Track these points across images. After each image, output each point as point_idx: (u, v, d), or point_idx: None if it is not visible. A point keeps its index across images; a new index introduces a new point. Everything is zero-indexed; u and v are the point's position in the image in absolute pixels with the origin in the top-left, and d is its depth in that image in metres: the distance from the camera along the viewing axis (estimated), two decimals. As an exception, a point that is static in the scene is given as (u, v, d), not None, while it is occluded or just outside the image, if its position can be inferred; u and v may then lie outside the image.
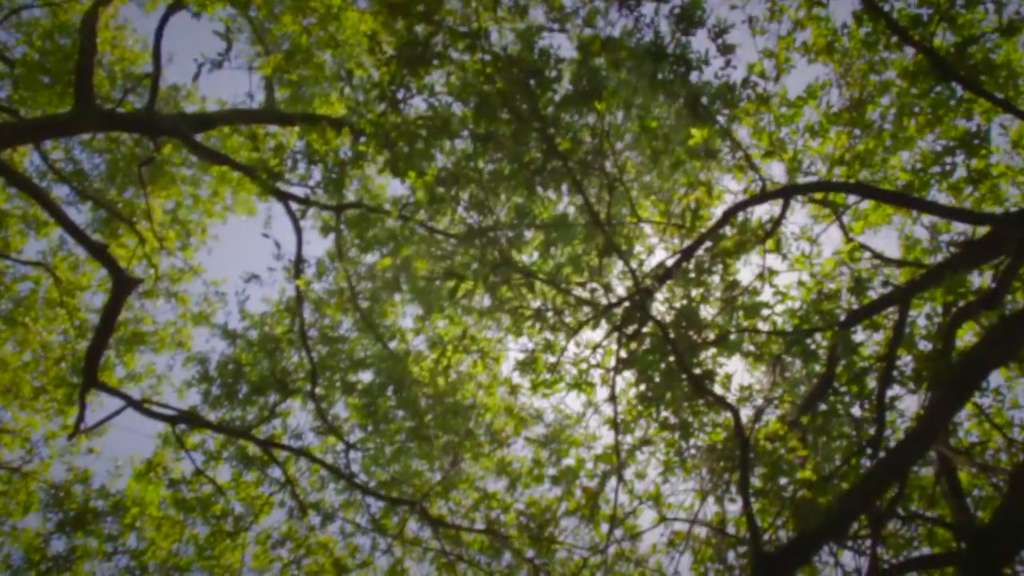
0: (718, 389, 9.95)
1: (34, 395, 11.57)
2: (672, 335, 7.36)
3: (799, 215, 9.55)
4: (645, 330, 8.74)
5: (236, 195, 12.51)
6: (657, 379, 9.29)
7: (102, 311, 9.95)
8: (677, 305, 9.33)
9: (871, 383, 8.64)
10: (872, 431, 8.20)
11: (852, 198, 9.70)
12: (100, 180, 11.91)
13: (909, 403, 10.49)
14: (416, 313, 12.58)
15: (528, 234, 9.78)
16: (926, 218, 10.17)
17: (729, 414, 7.77)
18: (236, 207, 12.58)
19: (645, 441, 10.73)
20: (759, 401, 9.69)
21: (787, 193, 8.38)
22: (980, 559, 6.61)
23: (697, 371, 7.76)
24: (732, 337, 9.02)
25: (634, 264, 8.89)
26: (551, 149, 7.23)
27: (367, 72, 8.45)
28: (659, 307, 9.92)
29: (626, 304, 8.83)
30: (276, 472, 11.78)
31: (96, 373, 10.20)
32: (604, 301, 8.46)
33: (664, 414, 10.10)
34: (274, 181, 8.81)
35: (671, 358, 8.45)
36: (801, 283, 9.51)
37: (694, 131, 8.56)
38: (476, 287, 9.39)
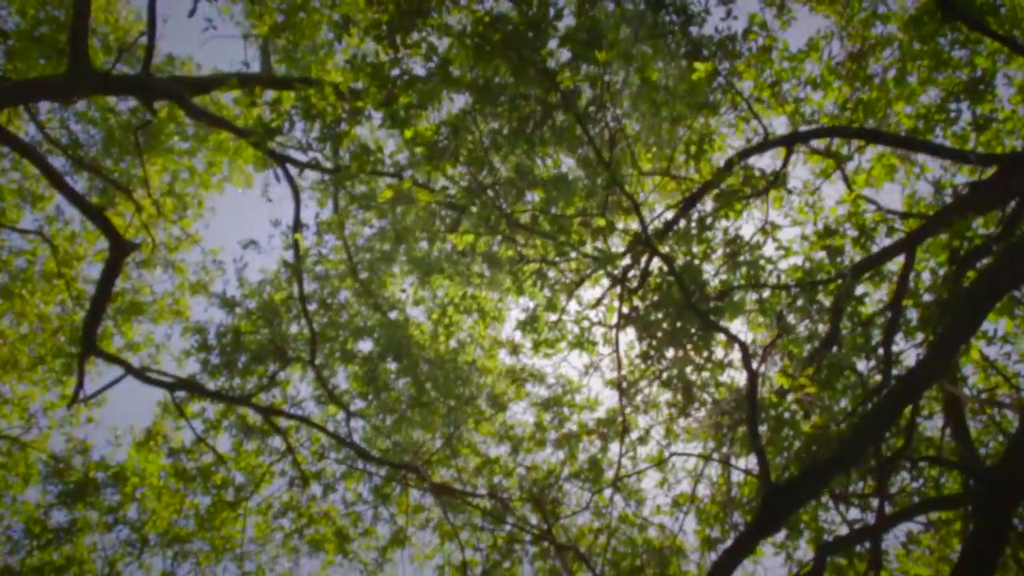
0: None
1: (32, 366, 11.46)
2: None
3: (801, 171, 9.42)
4: (652, 269, 8.66)
5: (233, 164, 12.41)
6: (660, 334, 9.23)
7: (99, 276, 9.85)
8: (680, 262, 9.27)
9: (876, 345, 8.57)
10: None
11: (856, 155, 9.64)
12: (96, 152, 11.80)
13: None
14: (415, 283, 12.51)
15: (529, 197, 9.71)
16: (929, 174, 10.10)
17: (737, 350, 7.62)
18: (233, 178, 12.49)
19: (648, 403, 10.67)
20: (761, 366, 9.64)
21: (791, 140, 8.29)
22: (991, 498, 6.54)
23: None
24: (736, 289, 8.96)
25: (634, 224, 8.79)
26: (552, 88, 7.10)
27: (366, 19, 8.35)
28: (662, 265, 9.88)
29: (628, 258, 8.75)
30: (276, 442, 11.70)
31: (95, 340, 10.11)
32: (607, 252, 8.35)
33: (666, 375, 10.05)
34: (271, 136, 8.70)
35: (673, 311, 8.37)
36: (804, 237, 9.43)
37: (696, 74, 8.47)
38: (477, 240, 9.30)
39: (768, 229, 9.29)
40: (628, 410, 10.27)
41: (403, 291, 10.96)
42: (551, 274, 9.91)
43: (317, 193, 12.90)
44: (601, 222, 7.82)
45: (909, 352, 9.21)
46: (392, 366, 11.40)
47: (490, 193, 9.02)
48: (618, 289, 9.03)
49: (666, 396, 10.52)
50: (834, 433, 6.84)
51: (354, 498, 11.83)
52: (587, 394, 10.69)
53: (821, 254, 9.28)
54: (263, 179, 12.76)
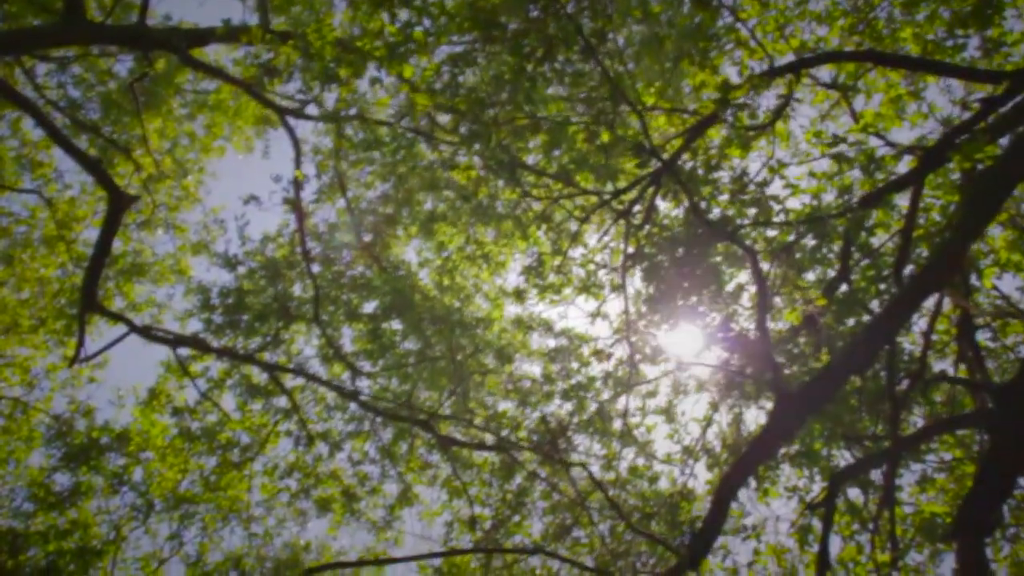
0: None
1: (33, 328, 11.36)
2: (684, 181, 7.10)
3: (808, 111, 9.31)
4: (658, 205, 8.54)
5: (233, 126, 12.28)
6: (666, 265, 9.10)
7: (99, 231, 9.73)
8: (685, 204, 9.14)
9: (887, 275, 8.44)
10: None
11: (862, 88, 9.51)
12: (96, 118, 11.69)
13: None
14: (419, 243, 12.41)
15: (532, 143, 9.59)
16: (939, 113, 9.96)
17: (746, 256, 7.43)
18: (233, 138, 12.36)
19: (656, 353, 10.53)
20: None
21: (797, 67, 8.16)
22: (1006, 415, 6.41)
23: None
24: (743, 227, 8.83)
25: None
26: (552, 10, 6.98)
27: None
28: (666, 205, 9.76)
29: (634, 191, 8.62)
30: (282, 402, 11.59)
31: (95, 296, 9.99)
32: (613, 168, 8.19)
33: (672, 321, 9.92)
34: (270, 77, 8.60)
35: (681, 233, 8.23)
36: (812, 174, 9.31)
37: (699, 9, 8.34)
38: (479, 174, 9.15)
39: (775, 167, 9.17)
40: (636, 357, 10.14)
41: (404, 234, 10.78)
42: (556, 217, 9.80)
43: (319, 155, 12.79)
44: (606, 136, 7.69)
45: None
46: (398, 323, 11.29)
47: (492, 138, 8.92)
48: (623, 224, 8.91)
49: (673, 344, 10.42)
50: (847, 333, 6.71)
51: (361, 457, 11.73)
52: (594, 344, 10.52)
53: (829, 197, 9.19)
54: (263, 145, 12.59)
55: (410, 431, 11.30)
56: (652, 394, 11.13)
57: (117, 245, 11.73)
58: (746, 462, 5.66)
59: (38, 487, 11.25)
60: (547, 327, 10.23)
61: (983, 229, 5.66)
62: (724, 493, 5.66)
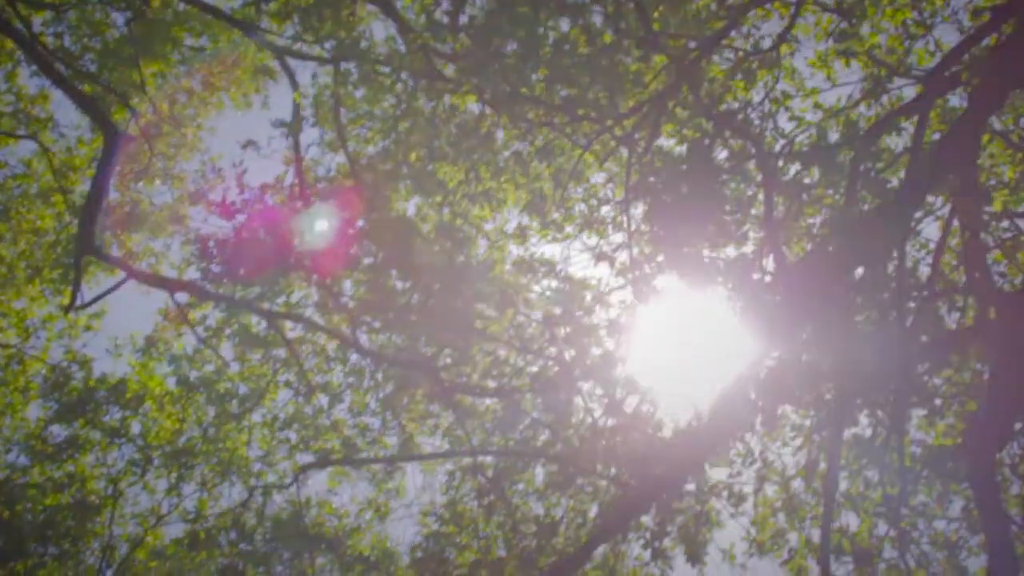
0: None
1: (28, 279, 11.23)
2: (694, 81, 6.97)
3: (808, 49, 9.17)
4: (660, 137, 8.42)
5: (231, 77, 12.15)
6: (667, 200, 8.97)
7: (95, 170, 9.62)
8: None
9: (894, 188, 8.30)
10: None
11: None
12: (92, 66, 11.55)
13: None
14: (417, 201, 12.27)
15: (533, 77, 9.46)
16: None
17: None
18: (231, 90, 12.23)
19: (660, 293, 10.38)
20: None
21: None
22: (1015, 324, 6.30)
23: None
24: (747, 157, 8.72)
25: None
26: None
27: None
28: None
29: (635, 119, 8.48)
30: (281, 354, 11.45)
31: (92, 238, 9.86)
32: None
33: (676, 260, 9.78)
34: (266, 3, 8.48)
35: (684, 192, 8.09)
36: (817, 106, 9.19)
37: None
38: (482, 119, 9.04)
39: (779, 98, 9.06)
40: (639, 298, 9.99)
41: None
42: (557, 152, 9.67)
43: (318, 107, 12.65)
44: (608, 38, 7.56)
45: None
46: (398, 274, 11.15)
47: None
48: (625, 154, 8.79)
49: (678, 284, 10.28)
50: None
51: (361, 409, 11.59)
52: (597, 286, 10.37)
53: (835, 137, 9.08)
54: (261, 101, 12.47)
55: (411, 381, 11.15)
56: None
57: (114, 196, 11.62)
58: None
59: (35, 439, 11.12)
60: (550, 267, 10.07)
61: (998, 107, 5.52)
62: (732, 397, 5.53)
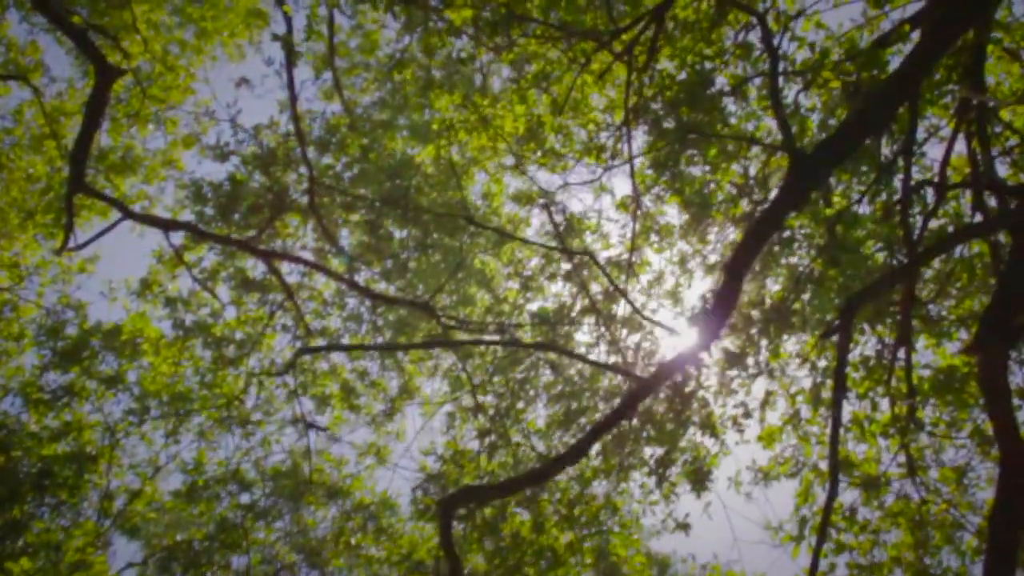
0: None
1: (21, 225, 11.06)
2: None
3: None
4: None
5: (225, 22, 11.96)
6: (672, 123, 8.82)
7: (86, 106, 9.44)
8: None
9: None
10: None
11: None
12: (85, 12, 11.39)
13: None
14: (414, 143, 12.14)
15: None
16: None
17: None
18: (224, 34, 12.04)
19: (663, 229, 10.24)
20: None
21: None
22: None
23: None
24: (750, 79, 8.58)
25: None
26: None
27: None
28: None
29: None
30: (278, 298, 11.31)
31: (83, 176, 9.68)
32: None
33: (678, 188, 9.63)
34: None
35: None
36: (819, 24, 9.04)
37: None
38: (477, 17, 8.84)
39: (782, 19, 8.90)
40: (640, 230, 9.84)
41: None
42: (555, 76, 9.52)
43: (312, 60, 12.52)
44: None
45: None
46: (396, 212, 11.01)
47: None
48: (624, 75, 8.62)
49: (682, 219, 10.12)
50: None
51: (360, 354, 11.46)
52: (597, 220, 10.24)
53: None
54: (255, 51, 12.32)
55: (410, 324, 11.02)
56: (658, 281, 10.81)
57: (106, 141, 11.46)
58: (761, 227, 5.38)
59: (30, 387, 10.98)
60: (550, 200, 9.92)
61: None
62: (737, 264, 5.38)
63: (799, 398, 8.35)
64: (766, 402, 8.30)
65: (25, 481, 10.78)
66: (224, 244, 10.47)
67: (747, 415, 8.36)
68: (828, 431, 7.18)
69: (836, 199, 8.23)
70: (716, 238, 10.00)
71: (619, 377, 10.69)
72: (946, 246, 6.79)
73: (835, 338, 7.48)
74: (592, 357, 10.56)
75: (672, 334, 9.42)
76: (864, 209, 7.85)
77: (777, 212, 5.29)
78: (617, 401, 10.28)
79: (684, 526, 8.86)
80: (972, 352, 6.89)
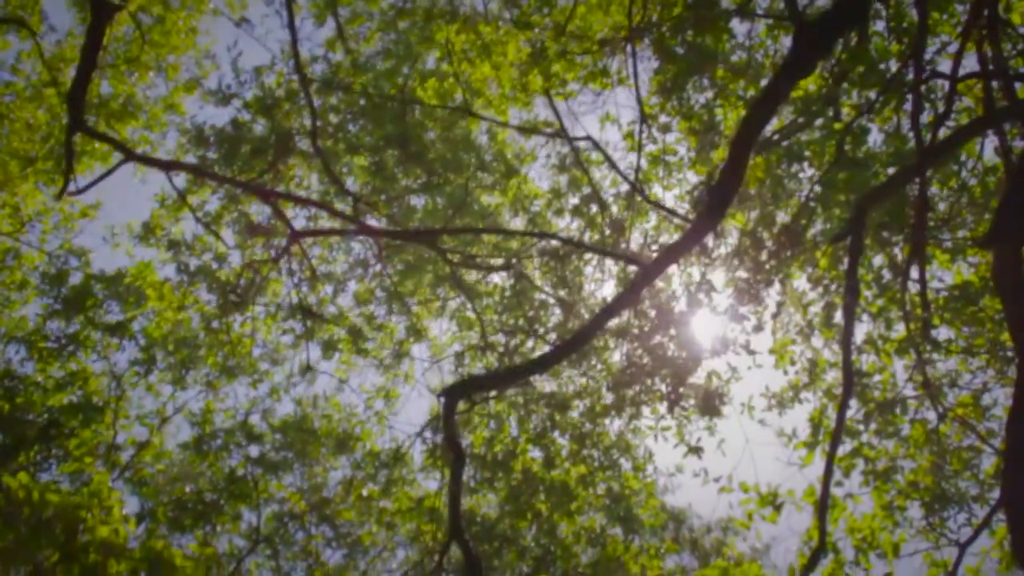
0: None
1: (22, 172, 10.96)
2: None
3: None
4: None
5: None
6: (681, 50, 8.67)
7: (83, 43, 9.32)
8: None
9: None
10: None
11: None
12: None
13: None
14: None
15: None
16: None
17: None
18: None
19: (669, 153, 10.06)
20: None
21: None
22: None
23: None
24: None
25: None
26: None
27: None
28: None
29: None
30: (283, 243, 11.18)
31: (82, 115, 9.55)
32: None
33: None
34: None
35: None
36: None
37: None
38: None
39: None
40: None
41: None
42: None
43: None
44: None
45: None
46: (400, 152, 10.89)
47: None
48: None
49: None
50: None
51: (367, 297, 11.35)
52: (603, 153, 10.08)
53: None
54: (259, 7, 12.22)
55: (417, 266, 10.90)
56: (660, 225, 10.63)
57: (107, 90, 11.35)
58: (766, 97, 5.22)
59: (34, 335, 10.90)
60: (555, 131, 9.78)
61: None
62: (742, 138, 5.24)
63: (812, 309, 8.20)
64: (778, 313, 8.15)
65: (31, 431, 10.71)
66: (227, 183, 10.34)
67: (759, 327, 8.22)
68: (842, 330, 7.03)
69: (846, 110, 8.10)
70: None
71: (627, 314, 10.57)
72: (958, 139, 6.63)
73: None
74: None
75: (682, 219, 9.15)
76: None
77: (783, 82, 5.15)
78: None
79: (696, 449, 8.73)
80: (985, 245, 6.75)
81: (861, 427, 8.25)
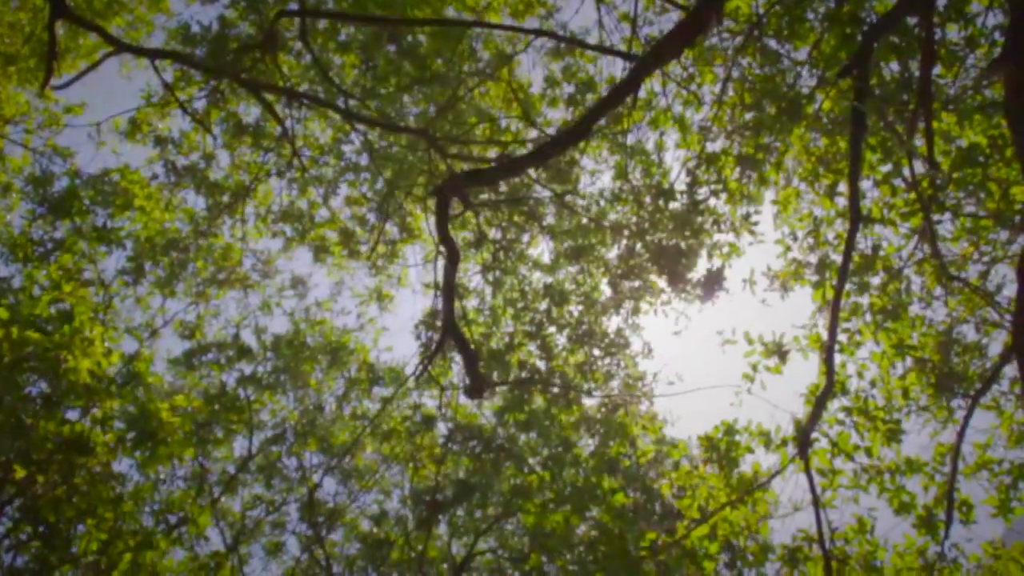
0: None
1: (3, 69, 10.66)
2: None
3: None
4: None
5: None
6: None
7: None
8: None
9: None
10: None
11: None
12: None
13: None
14: None
15: None
16: None
17: None
18: None
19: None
20: None
21: None
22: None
23: None
24: None
25: None
26: None
27: None
28: None
29: None
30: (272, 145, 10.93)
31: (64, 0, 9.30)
32: None
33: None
34: None
35: None
36: None
37: None
38: None
39: None
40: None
41: None
42: None
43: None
44: None
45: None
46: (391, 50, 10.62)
47: None
48: None
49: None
50: None
51: (360, 201, 11.11)
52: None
53: None
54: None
55: (412, 164, 10.64)
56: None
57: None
58: None
59: (19, 238, 10.59)
60: (548, 11, 9.53)
61: None
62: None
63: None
64: (780, 161, 7.92)
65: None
66: (214, 74, 10.05)
67: (762, 180, 7.99)
68: (848, 166, 6.81)
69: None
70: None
71: (625, 209, 10.35)
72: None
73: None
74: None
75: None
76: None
77: None
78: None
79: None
80: (997, 68, 6.52)
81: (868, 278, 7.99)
